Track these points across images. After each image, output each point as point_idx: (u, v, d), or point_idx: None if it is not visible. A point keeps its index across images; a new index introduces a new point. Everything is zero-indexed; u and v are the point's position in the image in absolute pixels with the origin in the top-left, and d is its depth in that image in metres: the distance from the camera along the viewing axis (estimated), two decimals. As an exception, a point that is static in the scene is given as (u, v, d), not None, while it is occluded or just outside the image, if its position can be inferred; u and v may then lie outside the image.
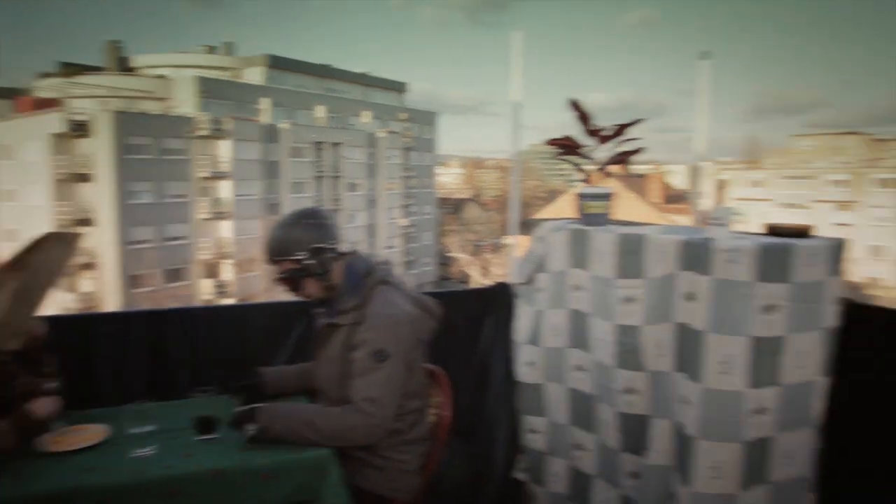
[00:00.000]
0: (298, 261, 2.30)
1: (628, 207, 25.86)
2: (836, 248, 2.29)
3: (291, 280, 2.34)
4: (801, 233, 2.34)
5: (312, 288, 2.36)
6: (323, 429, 2.16)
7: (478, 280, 37.30)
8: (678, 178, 54.05)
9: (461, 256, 45.42)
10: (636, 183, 36.93)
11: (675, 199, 39.53)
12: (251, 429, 2.12)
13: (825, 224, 41.37)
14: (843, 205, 47.24)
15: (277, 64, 47.21)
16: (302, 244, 2.29)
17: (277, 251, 2.32)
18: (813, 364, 2.30)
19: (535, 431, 3.07)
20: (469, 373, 3.25)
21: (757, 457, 2.29)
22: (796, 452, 2.35)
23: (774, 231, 2.39)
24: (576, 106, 2.78)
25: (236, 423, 2.15)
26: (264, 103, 41.23)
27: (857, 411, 2.46)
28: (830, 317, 2.32)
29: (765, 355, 2.22)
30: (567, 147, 2.80)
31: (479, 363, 3.29)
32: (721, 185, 53.85)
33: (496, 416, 3.31)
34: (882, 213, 44.76)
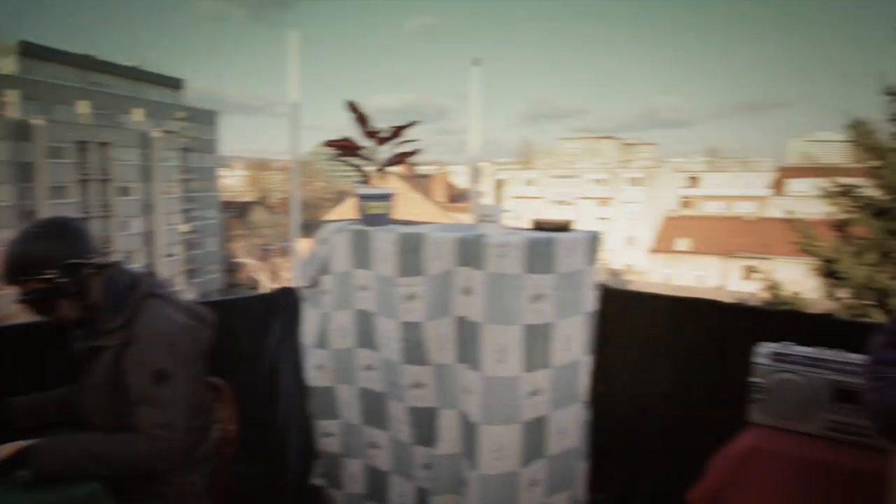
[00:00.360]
0: (48, 280, 2.00)
1: (414, 207, 26.65)
2: (593, 240, 2.55)
3: (40, 302, 2.04)
4: (563, 227, 2.57)
5: (67, 309, 2.07)
6: (111, 461, 1.93)
7: (267, 285, 36.19)
8: (462, 178, 56.75)
9: (249, 262, 43.81)
10: (421, 183, 38.20)
11: (459, 198, 41.51)
12: (24, 475, 1.83)
13: (590, 218, 46.04)
14: (603, 201, 52.91)
15: (30, 52, 41.78)
16: (51, 260, 2.00)
17: (20, 270, 2.00)
18: (578, 345, 2.54)
19: (330, 434, 3.05)
20: (257, 381, 3.13)
21: (535, 435, 2.47)
22: (569, 427, 2.58)
23: (539, 226, 2.59)
24: (353, 108, 2.79)
25: (3, 470, 1.85)
26: (12, 95, 36.42)
27: (615, 384, 2.76)
28: (591, 302, 2.58)
29: (536, 341, 2.40)
30: (346, 148, 2.81)
31: (267, 371, 3.18)
32: (499, 185, 57.58)
33: (288, 423, 3.22)
34: (634, 208, 50.89)
